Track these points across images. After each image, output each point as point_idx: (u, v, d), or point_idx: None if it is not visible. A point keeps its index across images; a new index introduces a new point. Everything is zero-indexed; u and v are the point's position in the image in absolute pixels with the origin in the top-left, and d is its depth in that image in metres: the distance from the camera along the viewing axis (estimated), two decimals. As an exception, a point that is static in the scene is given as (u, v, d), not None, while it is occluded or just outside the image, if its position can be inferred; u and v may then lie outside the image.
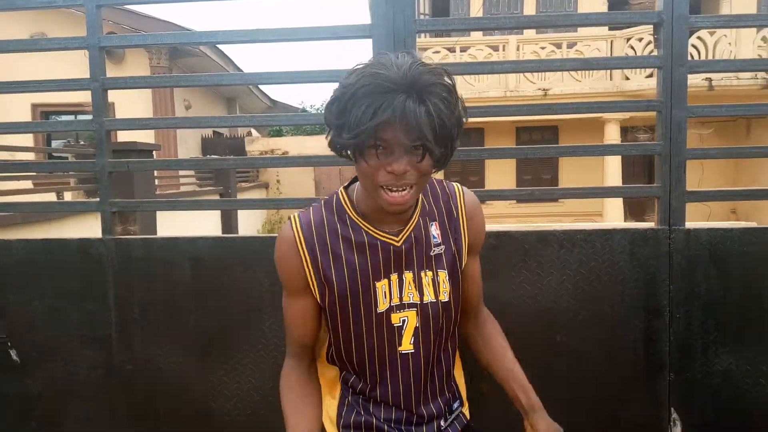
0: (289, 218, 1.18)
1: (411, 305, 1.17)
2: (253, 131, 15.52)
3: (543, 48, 12.04)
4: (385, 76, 0.96)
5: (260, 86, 15.42)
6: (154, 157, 7.14)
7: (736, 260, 1.82)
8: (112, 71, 11.10)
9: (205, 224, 8.68)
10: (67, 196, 6.61)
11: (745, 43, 11.00)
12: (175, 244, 1.94)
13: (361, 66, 1.02)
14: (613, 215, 11.76)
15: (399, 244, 1.15)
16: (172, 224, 6.69)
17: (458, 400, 1.34)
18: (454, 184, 1.27)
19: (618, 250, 1.84)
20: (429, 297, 1.18)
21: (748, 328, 1.84)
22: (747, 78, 10.93)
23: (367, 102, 0.95)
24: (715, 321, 1.84)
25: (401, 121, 0.95)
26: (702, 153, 1.89)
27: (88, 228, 4.83)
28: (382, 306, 1.16)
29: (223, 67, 12.04)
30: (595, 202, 12.24)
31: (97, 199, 2.00)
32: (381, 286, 1.15)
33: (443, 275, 1.19)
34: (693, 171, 1.83)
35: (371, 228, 1.15)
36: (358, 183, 1.18)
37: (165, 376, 1.96)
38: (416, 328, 1.18)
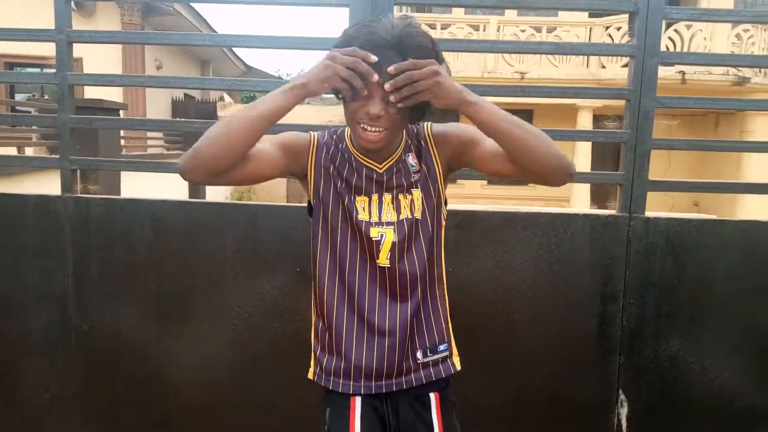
0: (312, 133, 1.36)
1: (389, 223, 1.29)
2: (226, 96, 15.23)
3: (523, 31, 12.02)
4: (378, 35, 1.13)
5: (236, 51, 15.09)
6: (121, 116, 6.96)
7: (692, 250, 1.88)
8: (81, 25, 10.63)
9: (172, 189, 8.53)
10: (29, 152, 6.42)
11: (719, 39, 11.16)
12: (136, 206, 1.90)
13: (365, 21, 1.19)
14: (580, 201, 11.95)
15: (381, 171, 1.30)
16: (137, 188, 6.56)
17: (445, 344, 1.39)
18: (424, 123, 1.38)
19: (579, 234, 1.87)
20: (405, 214, 1.30)
21: (699, 316, 1.90)
22: (719, 73, 11.13)
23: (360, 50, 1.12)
24: (667, 308, 1.90)
25: (381, 71, 1.10)
26: (667, 143, 1.93)
27: (51, 186, 4.67)
28: (362, 216, 1.29)
29: (197, 28, 11.72)
30: (563, 188, 12.35)
31: (57, 156, 1.94)
32: (360, 201, 1.30)
33: (417, 194, 1.32)
34: (659, 162, 1.87)
35: (359, 155, 1.31)
36: None
37: (122, 339, 1.94)
38: (393, 243, 1.29)
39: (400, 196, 1.31)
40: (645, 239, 1.87)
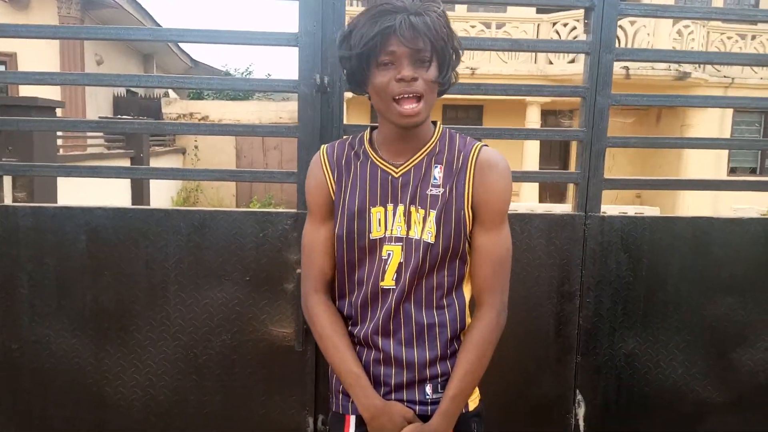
0: (321, 148, 1.33)
1: (398, 239, 1.22)
2: (171, 92, 14.77)
3: (473, 26, 12.12)
4: (389, 3, 1.11)
5: (181, 45, 14.66)
6: (58, 114, 6.62)
7: (645, 247, 1.88)
8: (15, 18, 10.16)
9: (115, 190, 8.20)
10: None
11: (662, 35, 11.51)
12: (69, 214, 1.77)
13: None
14: (529, 195, 12.14)
15: (397, 176, 1.24)
16: (78, 189, 6.26)
17: None
18: (478, 142, 1.29)
19: (536, 234, 1.85)
20: (415, 234, 1.21)
21: (652, 313, 1.91)
22: (662, 68, 11.48)
23: (372, 21, 1.10)
24: (623, 306, 1.89)
25: (401, 30, 1.08)
26: (623, 141, 1.92)
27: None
28: (376, 233, 1.22)
29: (140, 21, 11.30)
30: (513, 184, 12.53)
31: (-19, 161, 1.79)
32: (376, 212, 1.23)
33: (433, 215, 1.21)
34: (606, 156, 1.86)
35: (377, 157, 1.26)
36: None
37: (55, 358, 1.80)
38: (400, 264, 1.21)
39: (412, 209, 1.22)
40: (600, 237, 1.86)
